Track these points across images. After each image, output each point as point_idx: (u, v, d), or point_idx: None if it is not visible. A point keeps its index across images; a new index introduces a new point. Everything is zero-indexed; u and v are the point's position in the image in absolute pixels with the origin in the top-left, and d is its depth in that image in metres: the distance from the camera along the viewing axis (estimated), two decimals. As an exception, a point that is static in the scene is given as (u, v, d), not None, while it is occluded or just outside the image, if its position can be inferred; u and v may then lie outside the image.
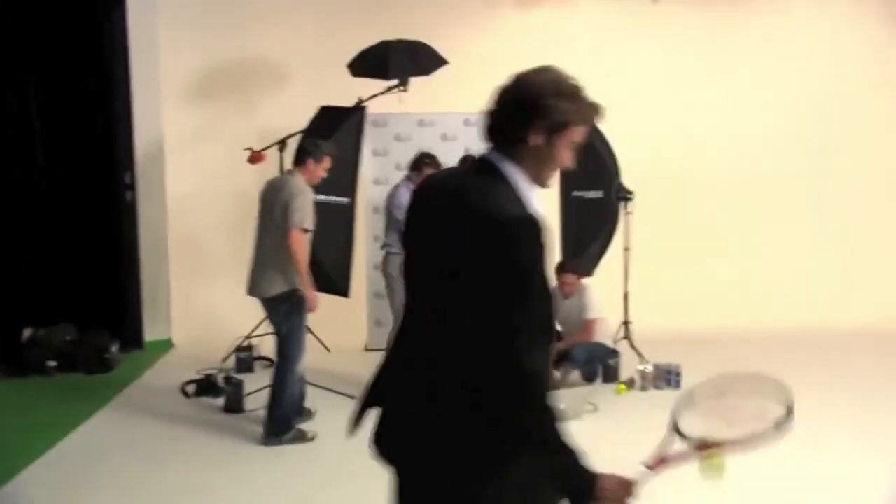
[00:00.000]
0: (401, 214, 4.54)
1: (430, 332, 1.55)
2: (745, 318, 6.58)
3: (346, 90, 5.58)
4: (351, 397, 4.80)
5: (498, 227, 1.41)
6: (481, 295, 1.41)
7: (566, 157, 1.62)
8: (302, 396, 4.21)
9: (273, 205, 3.94)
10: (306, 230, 3.89)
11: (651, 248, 5.90)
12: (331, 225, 4.89)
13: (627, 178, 5.67)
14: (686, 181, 6.72)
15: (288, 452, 4.04)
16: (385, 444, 1.62)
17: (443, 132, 6.25)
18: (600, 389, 5.04)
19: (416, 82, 5.82)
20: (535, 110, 1.52)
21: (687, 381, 5.06)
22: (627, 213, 5.45)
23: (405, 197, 4.57)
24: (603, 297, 5.51)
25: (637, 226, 5.61)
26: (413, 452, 1.55)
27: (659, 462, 1.61)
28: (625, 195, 5.40)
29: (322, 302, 4.32)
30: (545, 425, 1.48)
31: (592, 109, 1.63)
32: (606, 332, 5.15)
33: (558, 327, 5.20)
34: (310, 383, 5.01)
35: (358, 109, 5.01)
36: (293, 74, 6.79)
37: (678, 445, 1.65)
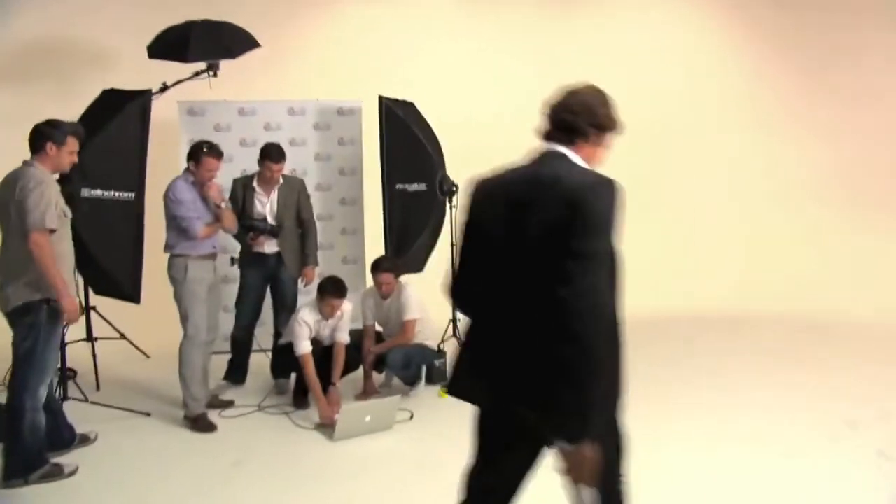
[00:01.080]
0: (180, 210, 3.95)
1: (527, 291, 1.82)
2: None
3: (179, 73, 4.94)
4: (147, 414, 4.22)
5: (597, 187, 1.79)
6: (593, 237, 1.73)
7: (603, 154, 2.01)
8: (57, 422, 3.57)
9: (7, 203, 3.26)
10: (52, 230, 3.23)
11: None
12: (113, 223, 4.22)
13: (454, 171, 5.32)
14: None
15: (39, 494, 3.37)
16: (492, 389, 1.91)
17: (266, 121, 5.66)
18: (423, 393, 4.69)
19: (236, 68, 5.23)
20: (592, 115, 1.94)
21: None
22: (453, 207, 5.09)
23: (183, 192, 3.97)
24: (431, 294, 5.14)
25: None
26: (528, 389, 1.80)
27: None
28: (450, 188, 5.04)
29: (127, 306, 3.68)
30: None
31: (621, 122, 2.01)
32: (430, 332, 4.77)
33: (378, 328, 4.80)
34: (96, 403, 4.37)
35: (142, 94, 4.35)
36: (120, 56, 6.02)
37: None
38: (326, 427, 4.00)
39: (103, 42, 6.18)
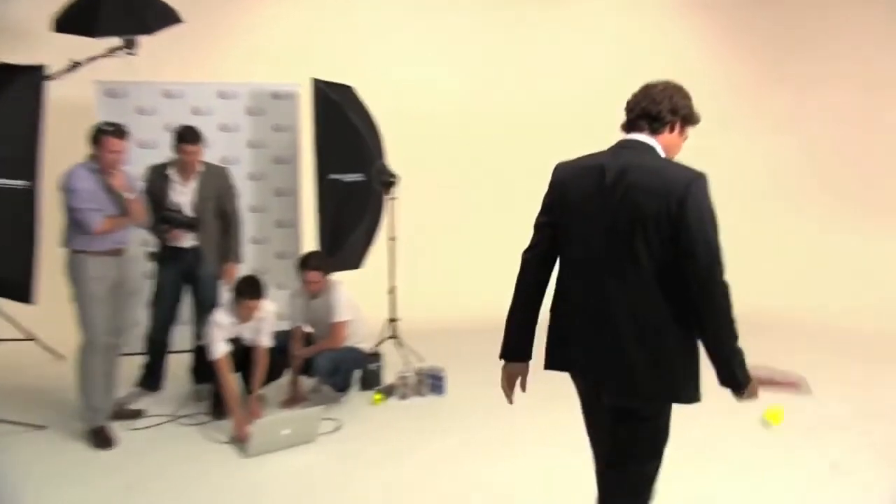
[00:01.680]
0: (74, 200, 3.47)
1: (620, 274, 1.98)
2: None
3: (96, 49, 4.39)
4: (42, 427, 3.76)
5: (691, 181, 1.92)
6: (694, 228, 1.90)
7: (681, 141, 2.10)
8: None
9: None
10: None
11: (423, 237, 5.25)
12: (1, 214, 3.74)
13: (394, 161, 4.94)
14: (461, 165, 6.12)
15: None
16: (593, 369, 2.06)
17: (194, 105, 5.18)
18: (354, 400, 4.30)
19: (162, 47, 4.74)
20: (675, 107, 2.04)
21: (457, 382, 4.46)
22: (391, 199, 4.71)
23: (80, 180, 3.48)
24: (368, 293, 4.76)
25: (407, 213, 4.90)
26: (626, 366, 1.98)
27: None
28: (388, 179, 4.65)
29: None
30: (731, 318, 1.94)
31: (699, 115, 2.12)
32: (363, 334, 4.38)
33: (308, 329, 4.40)
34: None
35: (32, 69, 3.85)
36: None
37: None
38: (242, 441, 3.60)
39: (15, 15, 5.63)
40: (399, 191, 4.74)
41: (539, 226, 2.19)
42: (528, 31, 6.70)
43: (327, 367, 4.02)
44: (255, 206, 5.31)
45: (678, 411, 2.05)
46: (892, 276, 6.36)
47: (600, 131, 6.68)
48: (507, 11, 6.69)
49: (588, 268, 2.04)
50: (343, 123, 4.60)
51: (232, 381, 3.81)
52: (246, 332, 3.97)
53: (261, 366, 3.93)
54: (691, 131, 2.12)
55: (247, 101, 5.25)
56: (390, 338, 4.84)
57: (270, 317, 3.98)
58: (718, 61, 7.22)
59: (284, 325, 4.29)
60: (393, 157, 4.94)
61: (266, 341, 3.96)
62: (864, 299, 6.18)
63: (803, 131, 7.06)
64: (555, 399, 4.42)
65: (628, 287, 1.96)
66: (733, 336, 1.93)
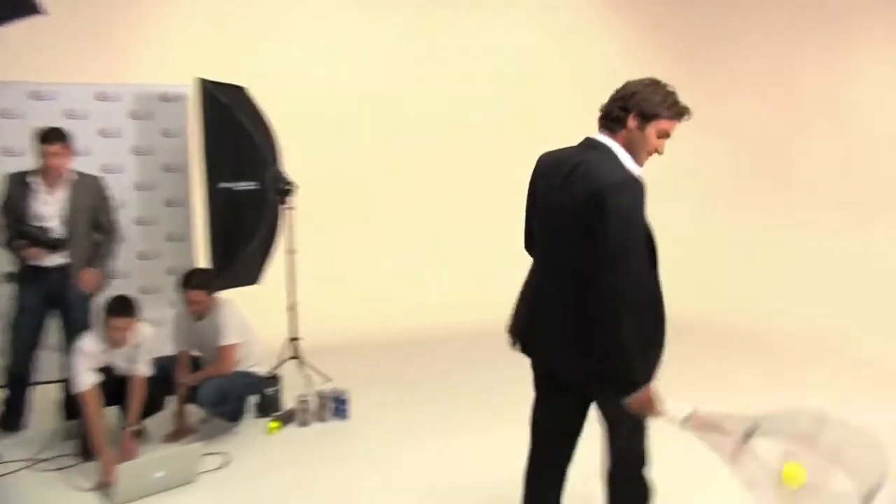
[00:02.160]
0: None
1: (559, 267, 2.08)
2: (421, 319, 5.79)
3: None
4: None
5: (614, 185, 1.92)
6: (611, 228, 1.89)
7: (653, 138, 2.04)
8: None
9: None
10: None
11: (324, 249, 4.89)
12: None
13: (292, 167, 4.56)
14: (366, 171, 5.81)
15: None
16: (542, 346, 2.17)
17: (68, 108, 4.65)
18: (248, 430, 3.89)
19: (30, 43, 4.23)
20: (626, 104, 2.03)
21: (363, 404, 4.13)
22: (288, 208, 4.34)
23: None
24: (267, 310, 4.37)
25: (307, 224, 4.53)
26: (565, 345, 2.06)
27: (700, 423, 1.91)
28: (283, 187, 4.28)
29: None
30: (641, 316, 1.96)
31: (681, 108, 2.05)
32: (257, 355, 3.95)
33: (196, 353, 3.96)
34: None
35: None
36: None
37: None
38: (109, 487, 3.13)
39: None
40: (297, 199, 4.36)
41: (525, 216, 2.28)
42: (439, 30, 6.45)
43: (212, 397, 3.59)
44: (142, 219, 4.81)
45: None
46: (818, 276, 6.43)
47: (513, 134, 6.64)
48: (416, 9, 6.42)
49: (540, 259, 2.22)
50: (233, 128, 4.19)
51: (98, 416, 3.33)
52: (119, 360, 3.51)
53: (136, 397, 3.46)
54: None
55: (131, 103, 4.75)
56: (291, 358, 4.45)
57: (148, 341, 3.52)
58: (637, 62, 7.15)
59: (170, 350, 3.85)
60: (291, 164, 4.56)
61: (143, 369, 3.50)
62: (789, 301, 6.23)
63: (725, 133, 7.07)
64: (462, 420, 4.23)
65: (562, 280, 2.05)
66: (615, 336, 1.90)
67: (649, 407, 1.92)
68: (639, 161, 2.06)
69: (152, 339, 3.55)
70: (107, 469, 3.17)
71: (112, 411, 3.60)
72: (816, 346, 5.32)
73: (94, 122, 4.65)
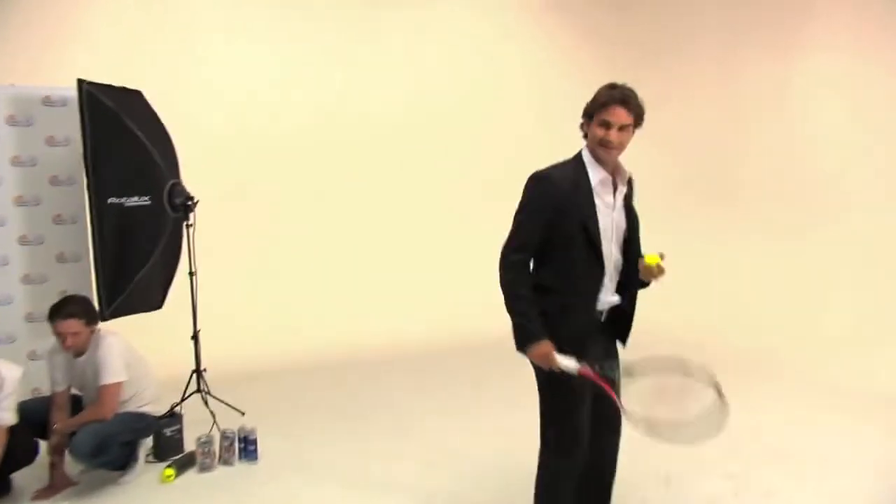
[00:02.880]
0: None
1: None
2: (336, 342, 5.39)
3: None
4: None
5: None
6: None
7: (596, 131, 2.27)
8: None
9: None
10: None
11: (231, 269, 4.42)
12: None
13: (191, 181, 4.07)
14: (275, 184, 5.36)
15: None
16: None
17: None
18: (144, 478, 3.37)
19: None
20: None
21: (273, 442, 3.67)
22: (188, 226, 3.86)
23: None
24: (164, 340, 3.88)
25: (211, 242, 4.04)
26: None
27: (588, 373, 2.19)
28: (183, 202, 3.80)
29: None
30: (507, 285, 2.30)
31: (609, 94, 2.26)
32: (150, 393, 3.42)
33: (78, 392, 3.43)
34: None
35: None
36: None
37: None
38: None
39: None
40: (198, 216, 3.88)
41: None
42: (368, 32, 6.05)
43: (88, 445, 3.04)
44: (27, 238, 4.23)
45: None
46: (766, 284, 6.25)
47: (458, 140, 6.29)
48: (347, 10, 6.01)
49: None
50: (122, 136, 3.67)
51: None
52: (-22, 407, 2.97)
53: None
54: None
55: (7, 107, 4.17)
56: (196, 392, 3.96)
57: (9, 382, 2.99)
58: (574, 66, 6.92)
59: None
60: (196, 177, 4.08)
61: (4, 416, 2.97)
62: (736, 313, 6.05)
63: (664, 137, 6.89)
64: (384, 456, 3.82)
65: None
66: (508, 301, 2.27)
67: (544, 360, 2.22)
68: (596, 157, 2.31)
69: (14, 379, 3.01)
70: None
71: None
72: (760, 361, 5.15)
73: (40, 129, 4.07)
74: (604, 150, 2.24)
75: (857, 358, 4.89)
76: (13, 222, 4.21)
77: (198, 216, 3.82)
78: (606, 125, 2.21)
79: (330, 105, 5.87)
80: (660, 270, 2.24)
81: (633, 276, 2.33)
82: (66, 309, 3.16)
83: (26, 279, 4.25)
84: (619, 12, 7.02)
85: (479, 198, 6.32)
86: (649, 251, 2.30)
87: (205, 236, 3.88)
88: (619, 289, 2.36)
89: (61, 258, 4.37)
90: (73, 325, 3.14)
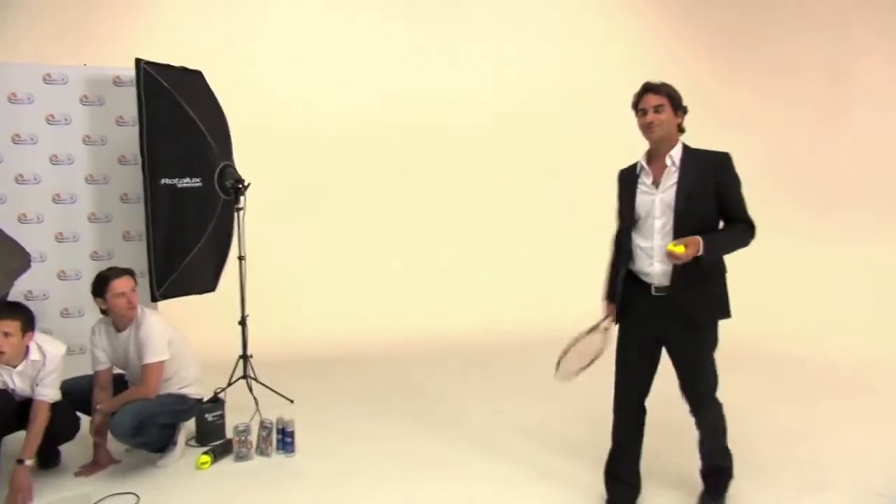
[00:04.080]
0: None
1: None
2: (395, 333, 5.20)
3: None
4: None
5: None
6: None
7: (638, 121, 2.59)
8: None
9: None
10: None
11: (280, 257, 4.30)
12: None
13: (245, 164, 3.97)
14: (330, 171, 5.20)
15: None
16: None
17: (10, 91, 4.08)
18: (181, 463, 3.33)
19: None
20: None
21: (314, 435, 3.53)
22: (239, 209, 3.76)
23: None
24: (212, 324, 3.81)
25: (260, 227, 3.93)
26: None
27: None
28: (234, 184, 3.70)
29: None
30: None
31: (641, 88, 2.61)
32: (192, 375, 3.36)
33: (119, 371, 3.39)
34: None
35: None
36: None
37: None
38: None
39: None
40: (251, 200, 3.78)
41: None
42: (452, 28, 5.82)
43: (127, 426, 3.00)
44: (95, 216, 4.31)
45: None
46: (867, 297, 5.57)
47: (552, 132, 5.94)
48: (424, 7, 5.79)
49: None
50: (176, 116, 3.62)
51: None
52: (17, 381, 2.99)
53: (35, 426, 2.90)
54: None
55: (80, 87, 4.20)
56: (242, 377, 3.88)
57: (52, 359, 2.99)
58: (673, 59, 6.41)
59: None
60: (249, 160, 3.99)
61: (45, 393, 2.96)
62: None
63: (765, 129, 6.24)
64: (433, 461, 3.55)
65: None
66: None
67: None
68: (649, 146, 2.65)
69: (57, 356, 3.00)
70: None
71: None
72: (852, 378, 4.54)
73: (39, 107, 4.13)
74: (648, 132, 2.56)
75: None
76: (84, 200, 4.30)
77: (253, 200, 3.72)
78: (643, 112, 2.56)
79: (394, 97, 5.68)
80: (674, 257, 2.39)
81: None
82: (116, 270, 3.14)
83: (94, 256, 4.33)
84: (718, 5, 6.42)
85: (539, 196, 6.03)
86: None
87: (258, 221, 3.78)
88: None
89: (127, 236, 4.41)
90: (125, 281, 3.11)
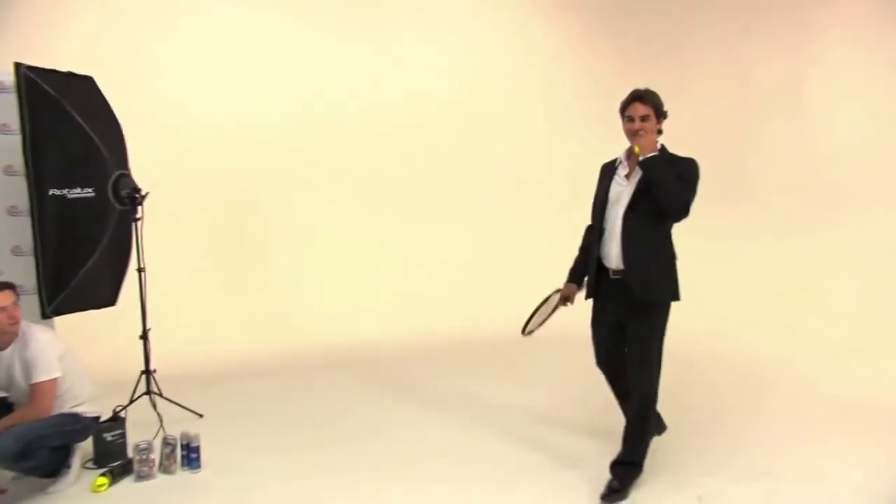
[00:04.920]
0: None
1: None
2: (294, 339, 5.12)
3: None
4: None
5: None
6: None
7: (624, 126, 2.90)
8: None
9: None
10: None
11: (184, 267, 4.16)
12: None
13: (144, 173, 3.81)
14: (234, 179, 5.09)
15: None
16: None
17: None
18: (77, 485, 3.09)
19: None
20: None
21: (221, 449, 3.42)
22: (136, 220, 3.60)
23: None
24: (111, 339, 3.63)
25: (163, 237, 3.78)
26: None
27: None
28: (130, 194, 3.55)
29: None
30: None
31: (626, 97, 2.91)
32: (86, 392, 3.17)
33: (3, 393, 3.18)
34: None
35: None
36: None
37: None
38: None
39: None
40: (153, 209, 3.63)
41: None
42: (370, 29, 5.78)
43: (11, 450, 2.77)
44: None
45: None
46: (781, 289, 5.81)
47: (470, 140, 5.98)
48: (345, 8, 5.75)
49: None
50: (63, 123, 3.42)
51: None
52: None
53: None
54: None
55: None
56: (146, 393, 3.71)
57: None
58: (582, 63, 6.58)
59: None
60: (146, 167, 3.83)
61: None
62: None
63: (674, 133, 6.44)
64: (336, 473, 3.39)
65: None
66: None
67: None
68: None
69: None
70: None
71: None
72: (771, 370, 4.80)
73: None
74: (633, 138, 2.82)
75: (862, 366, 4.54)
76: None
77: (156, 210, 3.56)
78: (630, 119, 2.83)
79: (318, 99, 5.62)
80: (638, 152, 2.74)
81: (636, 240, 2.79)
82: None
83: (-22, 273, 4.04)
84: (630, 5, 6.63)
85: (482, 194, 6.09)
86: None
87: (160, 231, 3.63)
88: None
89: (17, 251, 4.13)
90: (5, 296, 2.91)
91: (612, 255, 2.83)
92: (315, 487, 3.07)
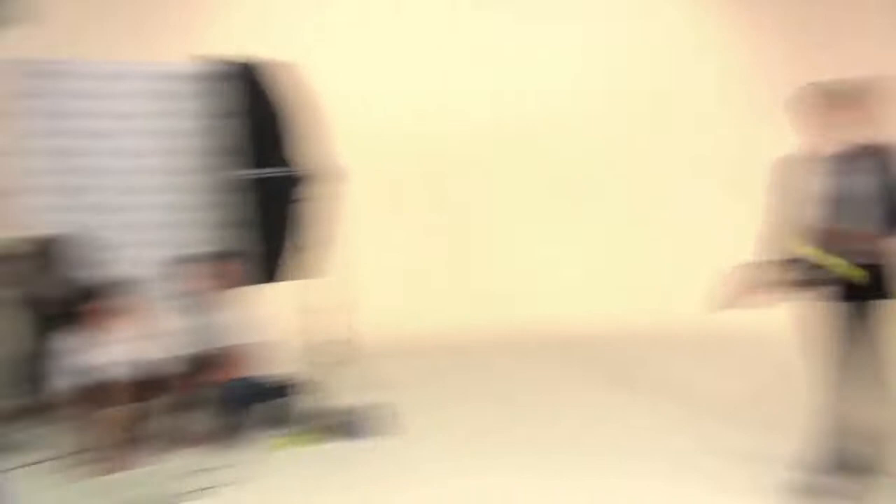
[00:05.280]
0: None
1: None
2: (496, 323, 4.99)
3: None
4: None
5: None
6: None
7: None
8: None
9: None
10: None
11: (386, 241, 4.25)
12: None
13: (350, 153, 3.94)
14: (438, 162, 5.11)
15: None
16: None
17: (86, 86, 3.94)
18: (257, 445, 3.25)
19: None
20: None
21: (414, 420, 3.36)
22: (336, 198, 3.66)
23: None
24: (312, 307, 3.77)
25: (365, 214, 3.88)
26: None
27: None
28: (328, 173, 3.64)
29: None
30: None
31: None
32: (265, 359, 3.28)
33: (204, 351, 3.39)
34: None
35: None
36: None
37: None
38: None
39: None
40: (350, 188, 3.76)
41: None
42: (529, 26, 5.68)
43: (215, 404, 2.96)
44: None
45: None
46: None
47: (637, 132, 5.61)
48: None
49: None
50: (262, 108, 3.60)
51: (85, 419, 2.87)
52: (107, 357, 3.03)
53: (117, 402, 2.95)
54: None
55: (158, 83, 4.06)
56: (340, 362, 3.79)
57: (141, 337, 3.02)
58: (761, 55, 5.95)
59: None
60: (353, 149, 4.02)
61: (123, 369, 3.00)
62: None
63: None
64: (528, 455, 3.25)
65: None
66: None
67: None
68: None
69: (145, 333, 3.04)
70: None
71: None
72: None
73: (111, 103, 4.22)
74: None
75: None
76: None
77: (346, 188, 3.70)
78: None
79: (501, 89, 5.61)
80: None
81: None
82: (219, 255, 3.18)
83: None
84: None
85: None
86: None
87: (363, 208, 3.76)
88: None
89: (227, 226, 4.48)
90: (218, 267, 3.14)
91: None
92: (508, 466, 2.89)
